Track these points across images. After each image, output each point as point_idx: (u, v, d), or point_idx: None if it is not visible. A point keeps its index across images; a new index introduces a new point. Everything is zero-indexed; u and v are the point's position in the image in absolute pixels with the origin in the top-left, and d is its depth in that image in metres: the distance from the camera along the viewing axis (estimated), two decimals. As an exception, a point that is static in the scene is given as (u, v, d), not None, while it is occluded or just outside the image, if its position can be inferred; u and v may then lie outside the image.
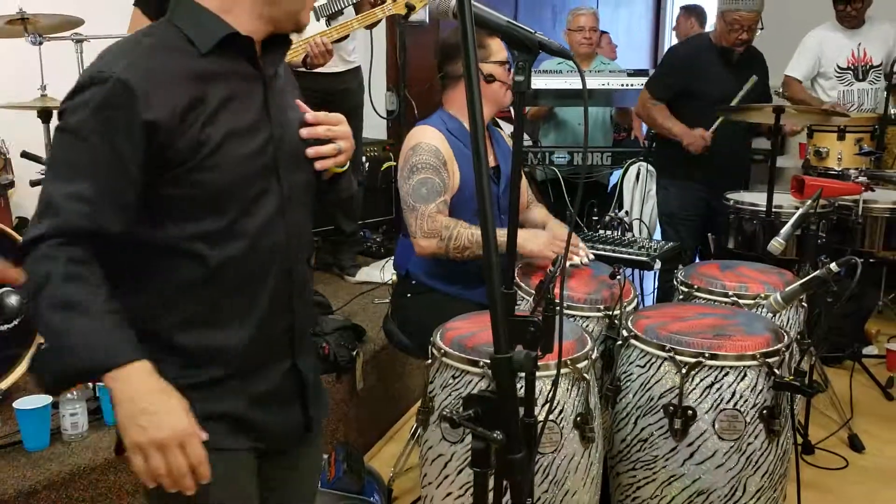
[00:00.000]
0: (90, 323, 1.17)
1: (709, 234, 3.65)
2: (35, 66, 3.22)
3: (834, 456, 3.13)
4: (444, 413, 1.04)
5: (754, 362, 2.04)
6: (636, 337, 2.16)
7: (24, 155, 3.10)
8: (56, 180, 1.22)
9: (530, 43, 1.27)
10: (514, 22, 1.28)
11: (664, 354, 2.08)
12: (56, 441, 2.48)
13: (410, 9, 3.23)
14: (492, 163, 2.73)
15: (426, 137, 2.59)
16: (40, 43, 2.96)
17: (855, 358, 3.75)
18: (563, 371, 1.95)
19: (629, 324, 2.22)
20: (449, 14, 1.28)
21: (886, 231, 3.47)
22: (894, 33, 4.54)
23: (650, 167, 4.33)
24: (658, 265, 2.86)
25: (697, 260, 3.98)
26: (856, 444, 3.20)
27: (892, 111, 4.24)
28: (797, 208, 3.25)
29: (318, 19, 3.73)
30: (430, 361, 2.08)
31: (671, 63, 3.99)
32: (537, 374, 1.94)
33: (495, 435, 0.91)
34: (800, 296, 2.16)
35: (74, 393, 2.49)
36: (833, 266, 2.04)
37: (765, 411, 2.04)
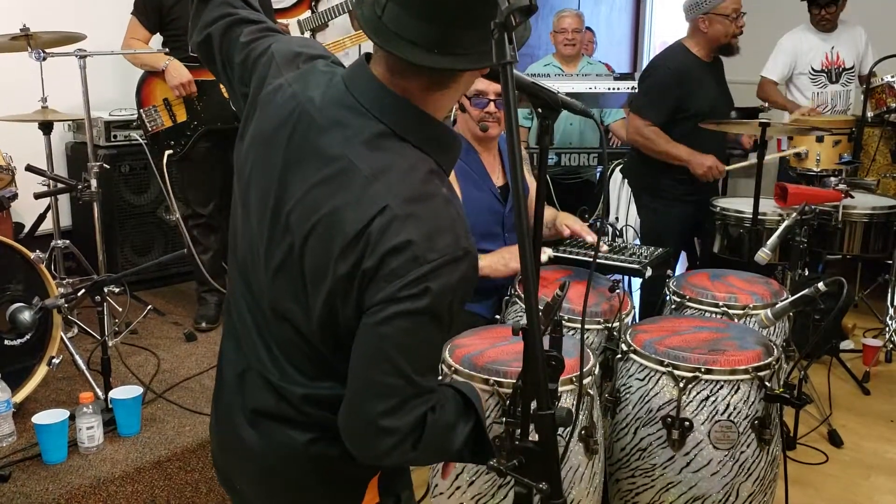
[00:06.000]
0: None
1: (695, 238, 3.77)
2: (35, 78, 3.26)
3: (814, 451, 3.28)
4: (492, 463, 1.14)
5: (747, 376, 2.16)
6: (635, 351, 2.28)
7: (29, 168, 3.15)
8: (421, 369, 1.21)
9: (553, 102, 1.36)
10: (538, 82, 1.38)
11: (663, 369, 2.19)
12: (73, 454, 2.56)
13: None
14: (500, 181, 2.79)
15: None
16: (44, 58, 2.99)
17: (832, 353, 3.90)
18: (569, 388, 2.06)
19: (628, 338, 2.34)
20: None
21: (864, 235, 3.62)
22: (865, 37, 4.72)
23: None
24: (649, 272, 2.97)
25: (681, 263, 4.09)
26: (835, 440, 3.35)
27: (868, 113, 4.39)
28: (780, 215, 3.40)
29: (302, 32, 3.78)
30: (440, 378, 2.17)
31: (662, 83, 3.72)
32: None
33: (541, 486, 1.02)
34: (789, 312, 2.29)
35: (90, 406, 2.57)
36: (821, 285, 2.16)
37: (756, 421, 2.17)
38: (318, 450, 1.35)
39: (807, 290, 2.19)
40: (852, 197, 3.50)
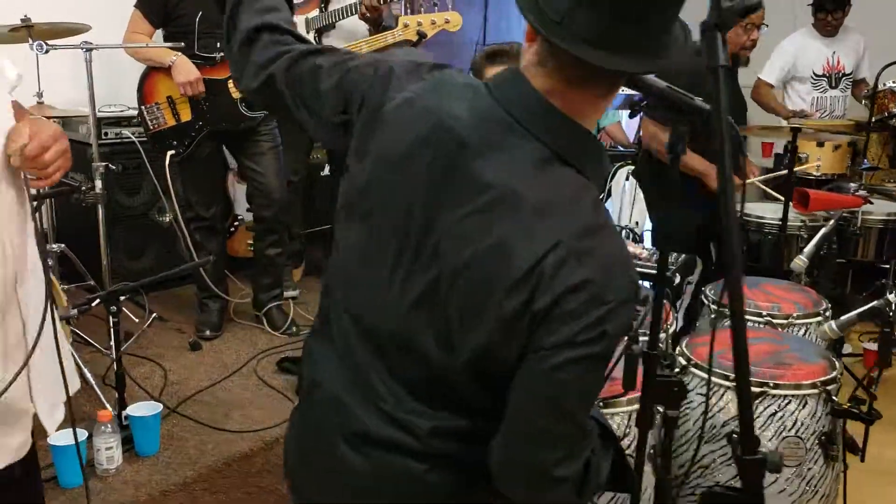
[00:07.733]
0: None
1: (710, 244, 3.71)
2: (31, 72, 3.06)
3: (833, 459, 3.25)
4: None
5: (814, 391, 2.11)
6: (697, 366, 2.20)
7: (27, 168, 2.94)
8: (587, 413, 1.17)
9: (686, 107, 1.27)
10: (673, 86, 1.28)
11: (728, 384, 2.12)
12: (90, 476, 2.39)
13: (422, 36, 3.11)
14: None
15: None
16: (46, 51, 2.79)
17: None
18: (627, 409, 1.98)
19: (687, 351, 2.26)
20: None
21: (878, 240, 3.60)
22: (864, 44, 4.74)
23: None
24: (678, 279, 2.90)
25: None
26: (852, 447, 3.33)
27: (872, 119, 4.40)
28: (802, 221, 3.37)
29: (307, 31, 3.63)
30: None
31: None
32: (615, 409, 1.98)
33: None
34: (854, 325, 2.24)
35: (109, 425, 2.41)
36: (891, 297, 2.11)
37: (823, 437, 2.11)
38: (437, 478, 1.24)
39: (876, 303, 2.14)
40: (871, 202, 3.49)
